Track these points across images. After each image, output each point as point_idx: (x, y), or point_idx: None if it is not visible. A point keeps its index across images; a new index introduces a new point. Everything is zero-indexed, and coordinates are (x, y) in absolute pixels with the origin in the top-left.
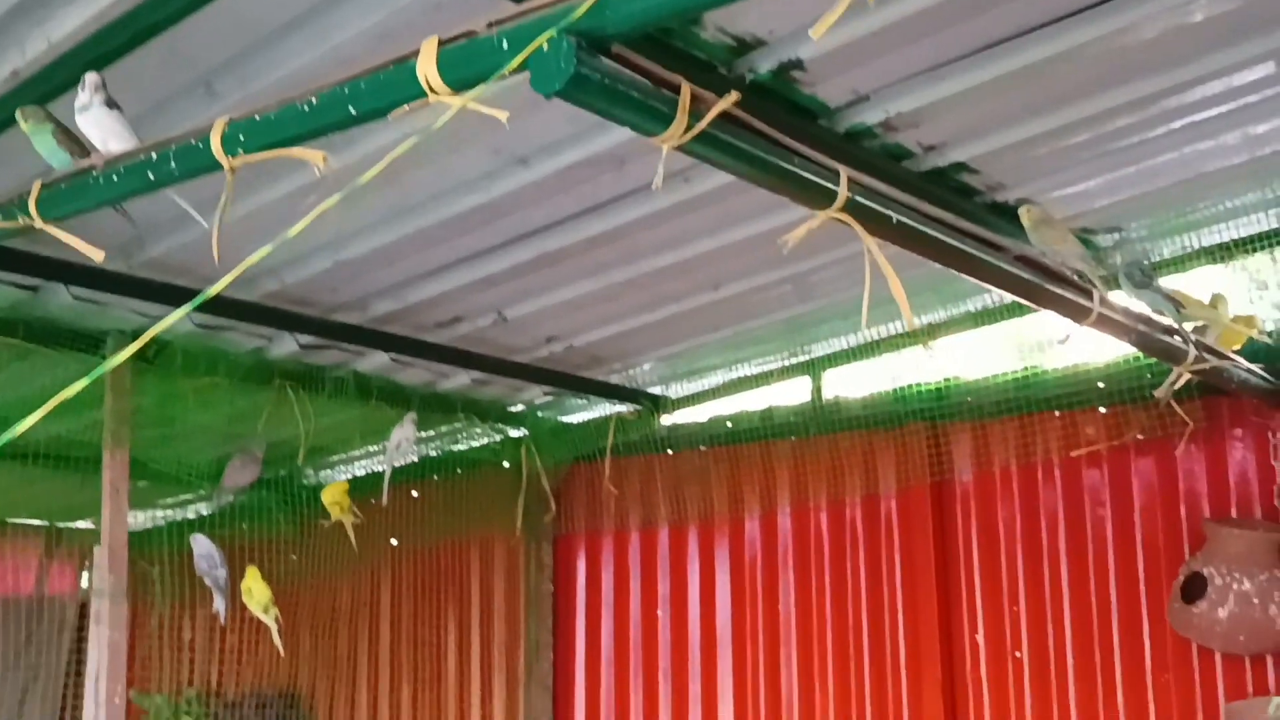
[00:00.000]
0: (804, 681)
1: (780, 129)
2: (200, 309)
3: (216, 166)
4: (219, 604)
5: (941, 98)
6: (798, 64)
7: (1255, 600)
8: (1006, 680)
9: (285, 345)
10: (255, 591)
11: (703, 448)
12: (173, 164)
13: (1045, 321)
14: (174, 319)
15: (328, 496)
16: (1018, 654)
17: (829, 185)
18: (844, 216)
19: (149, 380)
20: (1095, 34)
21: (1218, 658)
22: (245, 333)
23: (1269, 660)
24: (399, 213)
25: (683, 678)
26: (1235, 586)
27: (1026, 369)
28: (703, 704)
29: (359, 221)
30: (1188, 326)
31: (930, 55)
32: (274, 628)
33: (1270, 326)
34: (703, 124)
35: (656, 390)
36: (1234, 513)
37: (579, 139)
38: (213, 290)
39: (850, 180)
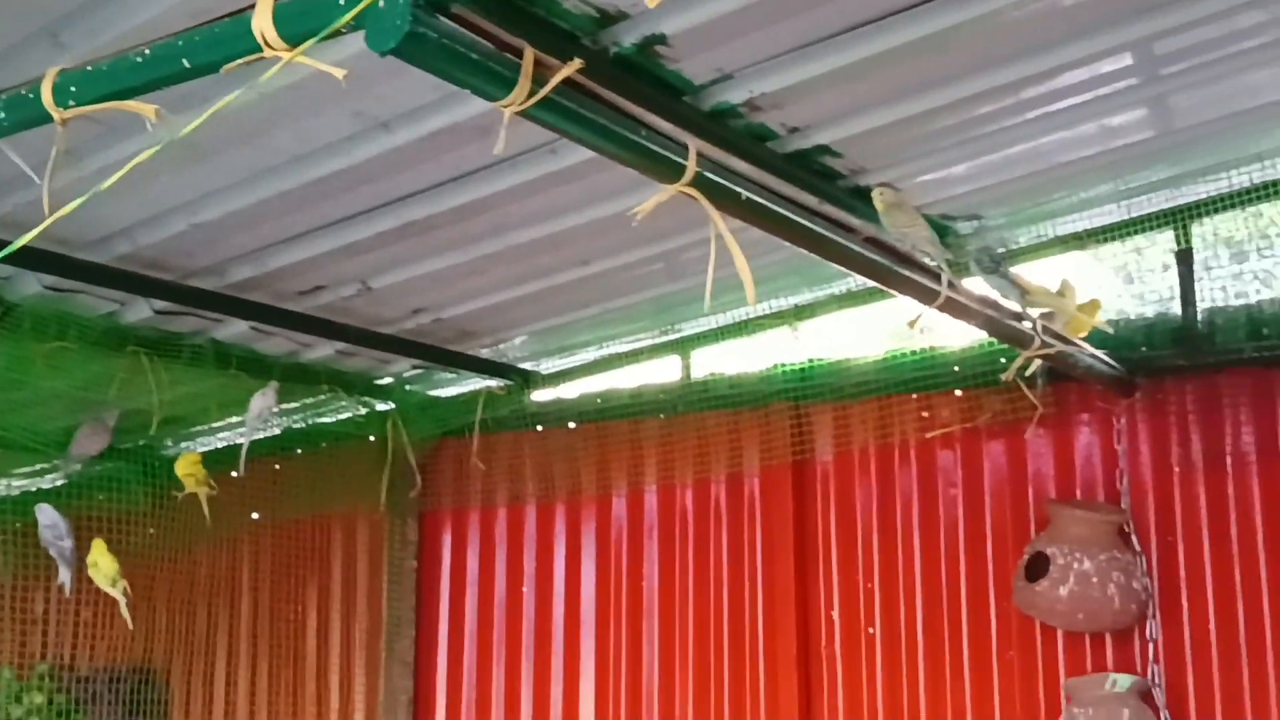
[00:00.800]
0: (665, 657)
1: (643, 105)
2: (50, 270)
3: (47, 118)
4: (64, 576)
5: (806, 79)
6: (661, 39)
7: (1095, 580)
8: (859, 655)
9: (140, 310)
10: (102, 564)
11: (572, 425)
12: (1, 114)
13: (906, 306)
14: None
15: (181, 468)
16: (871, 630)
17: (678, 159)
18: (692, 191)
19: None
20: (963, 18)
21: (1059, 635)
22: (98, 296)
23: (1107, 638)
24: (258, 175)
25: (545, 655)
26: (1076, 566)
27: (887, 352)
28: (565, 681)
29: (215, 183)
30: (1034, 312)
31: (796, 35)
32: (122, 601)
33: (1118, 316)
34: (545, 90)
35: (527, 366)
36: (1078, 495)
37: (443, 105)
38: (15, 245)
39: (700, 155)
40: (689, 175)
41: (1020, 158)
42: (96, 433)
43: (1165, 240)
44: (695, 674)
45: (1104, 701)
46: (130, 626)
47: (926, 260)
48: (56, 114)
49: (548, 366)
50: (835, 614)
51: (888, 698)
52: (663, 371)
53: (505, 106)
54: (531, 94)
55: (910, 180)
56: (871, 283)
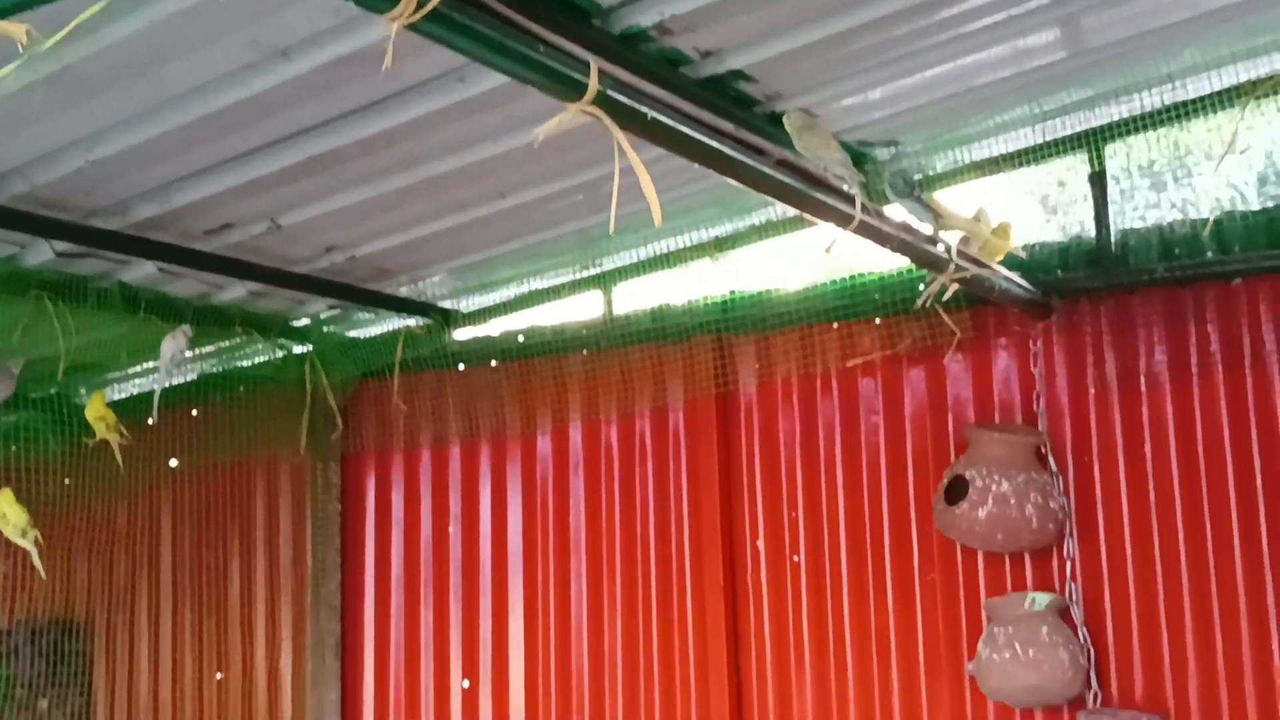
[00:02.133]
0: (592, 592)
1: (548, 26)
2: None
3: None
4: None
5: (717, 1)
6: None
7: (1013, 501)
8: (785, 583)
9: (41, 253)
10: (10, 515)
11: (494, 363)
12: None
13: (826, 236)
14: None
15: (91, 412)
16: (795, 558)
17: (579, 78)
18: (594, 110)
19: None
20: None
21: (979, 557)
22: None
23: (1026, 558)
24: (154, 108)
25: (474, 594)
26: (994, 488)
27: (808, 282)
28: (493, 618)
29: (110, 117)
30: (949, 236)
31: None
32: (34, 551)
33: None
34: (434, 2)
35: (447, 304)
36: (997, 419)
37: (343, 31)
38: None
39: (603, 74)
40: (591, 93)
41: (936, 81)
42: (1, 380)
43: (1084, 169)
44: (623, 608)
45: (1023, 620)
46: (44, 577)
47: (840, 184)
48: None
49: (468, 304)
50: (761, 544)
51: (813, 624)
52: (585, 307)
53: (392, 19)
54: (420, 6)
55: (827, 106)
56: (791, 212)
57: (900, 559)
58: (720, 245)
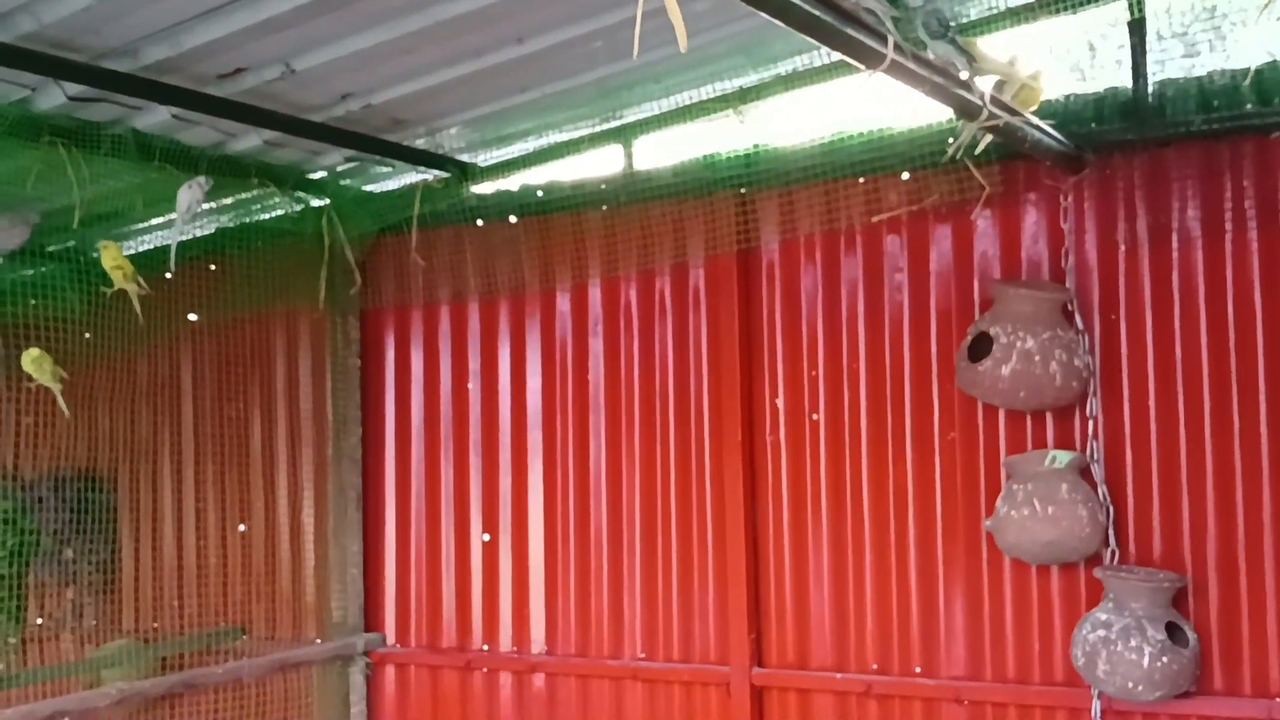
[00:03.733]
0: (611, 449)
1: None
2: None
3: None
4: None
5: None
6: None
7: (1037, 358)
8: (804, 441)
9: (52, 96)
10: (45, 364)
11: (513, 219)
12: None
13: (854, 86)
14: None
15: (106, 260)
16: (815, 416)
17: None
18: None
19: None
20: None
21: (1001, 415)
22: (4, 81)
23: (1048, 416)
24: None
25: (493, 449)
26: (1019, 345)
27: (833, 135)
28: (513, 474)
29: None
30: (983, 81)
31: None
32: (57, 389)
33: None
34: None
35: (464, 157)
36: (1024, 275)
37: None
38: None
39: None
40: None
41: None
42: (15, 226)
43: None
44: (642, 465)
45: (1043, 477)
46: (67, 414)
47: (872, 20)
48: None
49: (486, 158)
50: (780, 402)
51: (831, 482)
52: (605, 162)
53: None
54: None
55: None
56: (821, 61)
57: (921, 417)
58: (744, 97)
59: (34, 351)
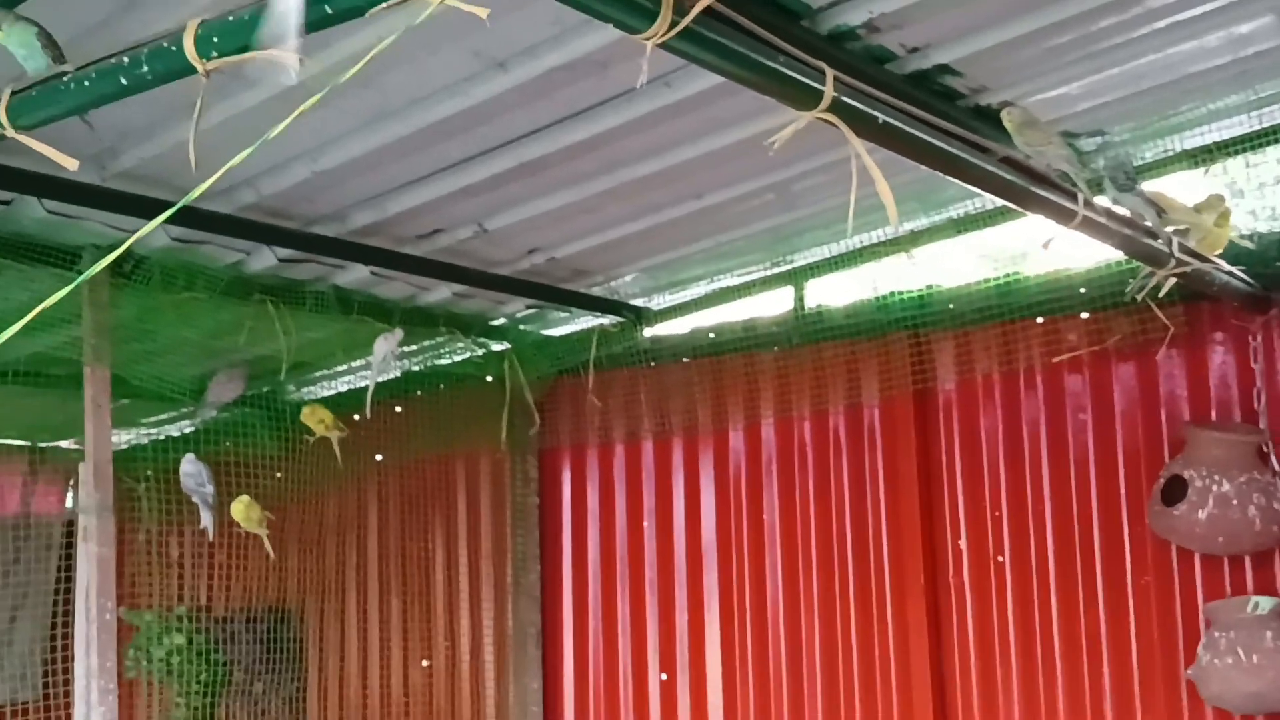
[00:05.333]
0: (789, 589)
1: (763, 29)
2: (177, 222)
3: (190, 70)
4: (206, 520)
5: None
6: None
7: (1234, 502)
8: (989, 585)
9: (264, 259)
10: (252, 514)
11: (686, 360)
12: (145, 68)
13: (1026, 228)
14: (148, 230)
15: (312, 419)
16: (1000, 559)
17: (814, 85)
18: (830, 117)
19: (127, 295)
20: None
21: (1197, 559)
22: (223, 246)
23: (1246, 560)
24: (377, 118)
25: (669, 587)
26: (1215, 489)
27: (1008, 275)
28: (689, 613)
29: (336, 128)
30: (1169, 230)
31: None
32: (264, 533)
33: (1248, 231)
34: (687, 19)
35: (639, 302)
36: (1214, 416)
37: (560, 41)
38: (188, 198)
39: (836, 80)
40: (826, 100)
41: (1144, 71)
42: (233, 379)
43: None
44: (821, 606)
45: (1245, 625)
46: (273, 555)
47: (1064, 180)
48: (200, 65)
49: (660, 302)
50: (963, 543)
51: (1019, 627)
52: (776, 303)
53: (647, 39)
54: (672, 25)
55: (1031, 98)
56: (993, 205)
57: (1111, 561)
58: (915, 240)
59: (243, 500)
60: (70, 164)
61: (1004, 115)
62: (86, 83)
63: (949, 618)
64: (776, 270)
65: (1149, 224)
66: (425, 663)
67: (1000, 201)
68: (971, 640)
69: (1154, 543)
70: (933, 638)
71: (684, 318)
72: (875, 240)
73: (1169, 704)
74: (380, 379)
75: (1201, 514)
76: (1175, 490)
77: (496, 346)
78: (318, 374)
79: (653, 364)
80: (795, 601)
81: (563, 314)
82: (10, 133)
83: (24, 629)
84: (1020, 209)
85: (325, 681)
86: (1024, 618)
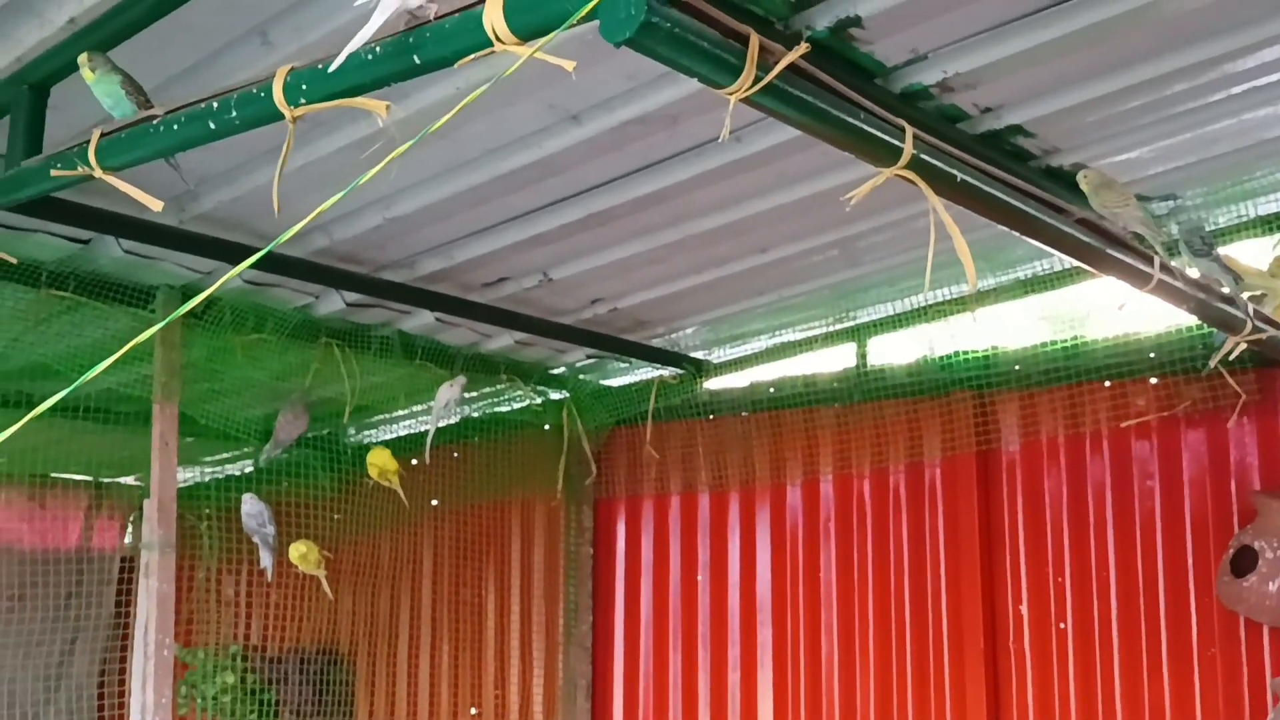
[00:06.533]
0: (844, 649)
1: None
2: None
3: (278, 116)
4: (266, 561)
5: (1000, 58)
6: (856, 21)
7: None
8: (1050, 652)
9: (332, 303)
10: (309, 555)
11: (745, 413)
12: (234, 113)
13: (1089, 292)
14: (235, 274)
15: (376, 461)
16: (1062, 625)
17: (893, 141)
18: (908, 174)
19: (197, 335)
20: None
21: (1265, 632)
22: (293, 289)
23: None
24: (451, 168)
25: (722, 643)
26: None
27: (1075, 338)
28: (742, 669)
29: (410, 177)
30: (1245, 295)
31: (990, 14)
32: (322, 575)
33: None
34: (772, 75)
35: (699, 354)
36: None
37: (633, 95)
38: (274, 244)
39: (914, 137)
40: (905, 158)
41: (1218, 135)
42: (299, 417)
43: None
44: (877, 668)
45: None
46: (331, 596)
47: (1140, 244)
48: (288, 112)
49: (720, 355)
50: (1024, 609)
51: (1081, 696)
52: (836, 359)
53: (730, 94)
54: (755, 80)
55: (1103, 160)
56: (1060, 266)
57: (1177, 631)
58: (980, 300)
59: (301, 546)
60: (155, 205)
61: (1080, 176)
62: (175, 126)
63: (1008, 684)
64: (839, 326)
65: (1224, 289)
66: (474, 710)
67: (1069, 263)
68: (1031, 708)
69: (1221, 614)
70: (991, 704)
71: (744, 371)
72: (939, 299)
73: None
74: (441, 424)
75: (1272, 586)
76: (1245, 561)
77: (555, 395)
78: (377, 418)
79: (711, 417)
80: (850, 662)
81: (623, 364)
82: (99, 174)
83: (79, 662)
84: (1094, 271)
85: None
86: (1085, 687)
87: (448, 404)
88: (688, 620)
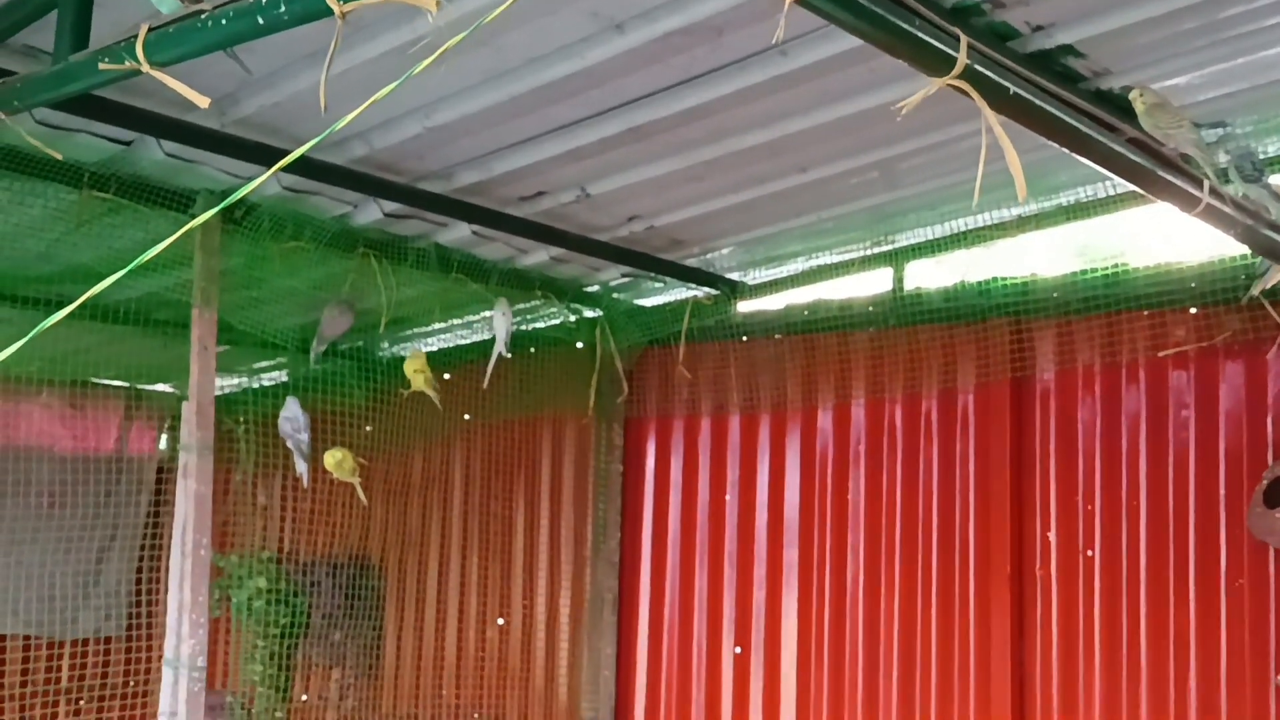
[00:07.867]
0: (870, 571)
1: None
2: (290, 170)
3: (327, 11)
4: (301, 468)
5: None
6: None
7: None
8: (1077, 578)
9: (370, 213)
10: (346, 462)
11: (778, 336)
12: (282, 7)
13: (1125, 222)
14: (268, 176)
15: (410, 366)
16: (1090, 552)
17: (948, 50)
18: (962, 84)
19: (236, 241)
20: None
21: None
22: (331, 198)
23: None
24: (492, 77)
25: (748, 562)
26: None
27: (1115, 266)
28: (767, 589)
29: (450, 86)
30: None
31: None
32: (357, 483)
33: None
34: None
35: (734, 276)
36: None
37: (678, 5)
38: (307, 146)
39: (969, 46)
40: (959, 67)
41: (1275, 61)
42: (343, 314)
43: None
44: (902, 588)
45: None
46: (365, 502)
47: (1190, 166)
48: (337, 7)
49: (755, 277)
50: (1052, 535)
51: (1105, 623)
52: (873, 283)
53: None
54: None
55: (1155, 84)
56: (1102, 193)
57: (1206, 561)
58: (1022, 226)
59: (337, 453)
60: (203, 101)
61: (1133, 95)
62: (224, 21)
63: (1033, 609)
64: (876, 250)
65: (1273, 216)
66: (501, 620)
67: (1111, 190)
68: (1055, 633)
69: (1251, 545)
70: (1015, 629)
71: (779, 294)
72: (979, 224)
73: (1256, 710)
74: (467, 338)
75: None
76: (1278, 493)
77: (589, 313)
78: (411, 330)
79: (744, 339)
80: (876, 583)
81: (657, 284)
82: (146, 69)
83: (112, 565)
84: (1144, 192)
85: (402, 633)
86: (1111, 613)
87: (507, 330)
88: (714, 539)
